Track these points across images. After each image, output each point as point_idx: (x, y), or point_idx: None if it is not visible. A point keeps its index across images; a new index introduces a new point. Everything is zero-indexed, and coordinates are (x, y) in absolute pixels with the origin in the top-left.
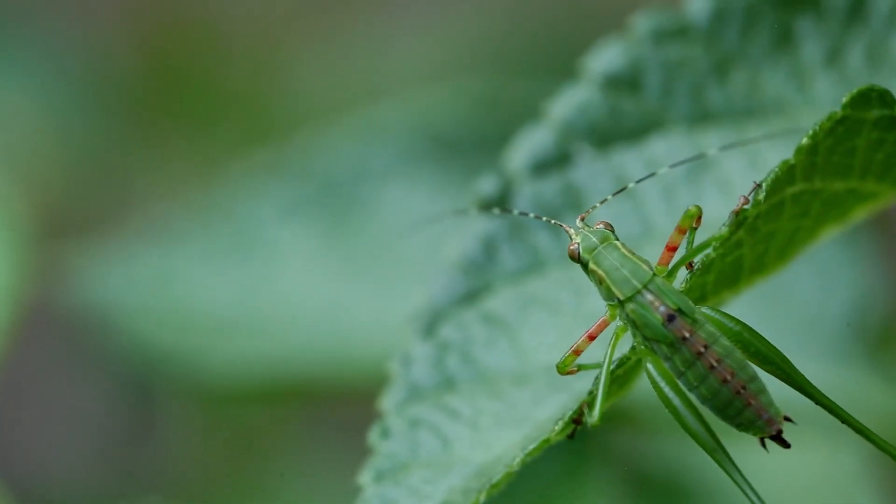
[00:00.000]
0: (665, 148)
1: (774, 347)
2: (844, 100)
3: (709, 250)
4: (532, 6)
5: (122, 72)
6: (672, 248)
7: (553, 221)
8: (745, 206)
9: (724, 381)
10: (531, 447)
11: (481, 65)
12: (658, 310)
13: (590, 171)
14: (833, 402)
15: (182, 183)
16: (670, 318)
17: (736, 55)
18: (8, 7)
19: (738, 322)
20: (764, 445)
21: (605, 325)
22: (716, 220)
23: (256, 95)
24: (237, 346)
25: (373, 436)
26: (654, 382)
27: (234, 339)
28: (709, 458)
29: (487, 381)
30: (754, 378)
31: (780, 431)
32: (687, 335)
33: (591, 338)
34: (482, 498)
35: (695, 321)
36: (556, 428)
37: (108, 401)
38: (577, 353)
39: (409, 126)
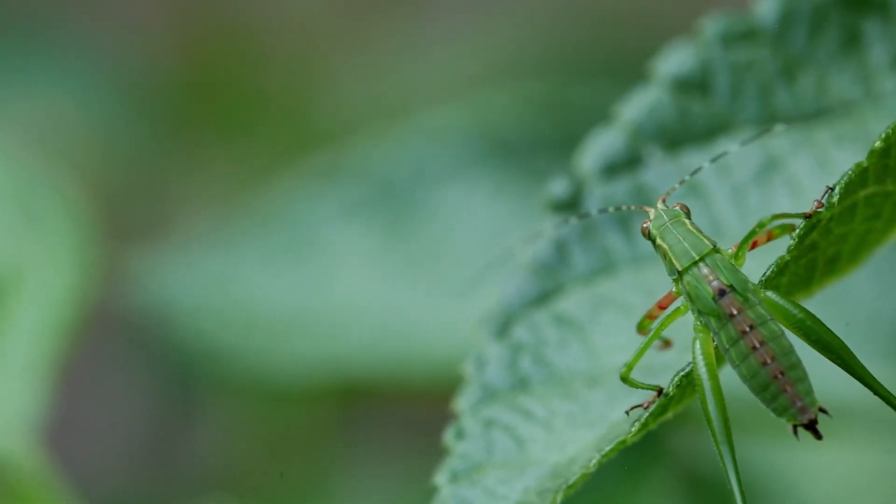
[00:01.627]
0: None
1: (837, 337)
2: None
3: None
4: (567, 13)
5: (163, 78)
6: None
7: (633, 207)
8: (819, 210)
9: (764, 363)
10: (607, 448)
11: (521, 71)
12: (711, 284)
13: (660, 172)
14: (891, 394)
15: (223, 188)
16: (721, 293)
17: (804, 57)
18: (52, 14)
19: (803, 310)
20: (796, 433)
21: (672, 298)
22: None
23: (295, 102)
24: (296, 346)
25: (448, 436)
26: (694, 359)
27: (293, 340)
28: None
29: (560, 383)
30: (795, 366)
31: (814, 421)
32: (735, 312)
33: (661, 307)
34: (559, 499)
35: (746, 300)
36: (633, 429)
37: (166, 401)
38: (650, 317)
39: (466, 129)
